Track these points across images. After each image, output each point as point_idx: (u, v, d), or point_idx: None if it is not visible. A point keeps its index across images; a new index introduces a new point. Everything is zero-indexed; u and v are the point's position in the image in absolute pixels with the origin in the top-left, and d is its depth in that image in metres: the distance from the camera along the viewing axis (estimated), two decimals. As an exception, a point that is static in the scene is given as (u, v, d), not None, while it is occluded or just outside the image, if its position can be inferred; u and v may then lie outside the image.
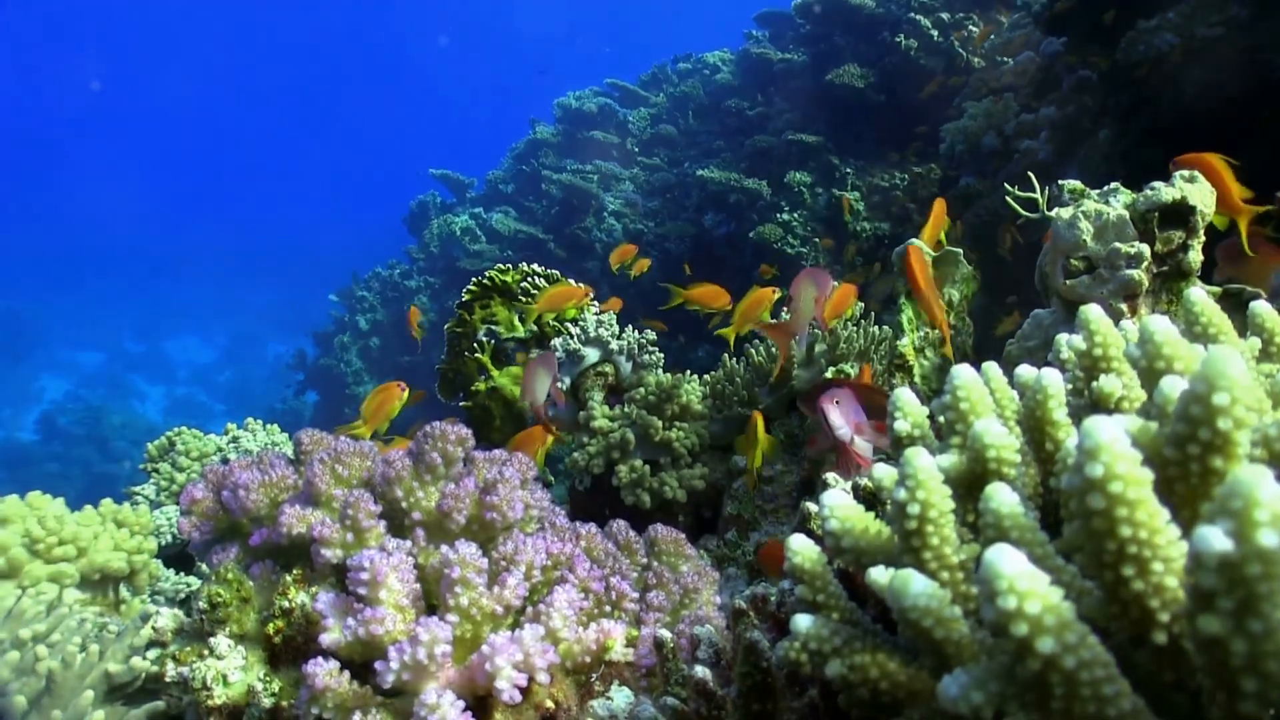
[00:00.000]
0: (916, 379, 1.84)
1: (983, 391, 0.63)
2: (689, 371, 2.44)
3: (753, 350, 2.38)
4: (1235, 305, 1.65)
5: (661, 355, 2.44)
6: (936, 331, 1.85)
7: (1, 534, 1.29)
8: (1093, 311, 0.71)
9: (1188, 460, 0.47)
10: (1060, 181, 1.70)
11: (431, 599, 0.98)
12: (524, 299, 2.59)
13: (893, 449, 0.74)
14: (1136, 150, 4.47)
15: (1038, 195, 1.62)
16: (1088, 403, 0.69)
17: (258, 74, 46.12)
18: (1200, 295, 0.76)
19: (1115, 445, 0.42)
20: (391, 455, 1.04)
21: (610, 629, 0.99)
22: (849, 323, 2.32)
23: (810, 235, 7.71)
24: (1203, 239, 1.57)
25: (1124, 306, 1.51)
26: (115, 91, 44.13)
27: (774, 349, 2.29)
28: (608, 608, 1.06)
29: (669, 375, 2.32)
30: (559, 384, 2.23)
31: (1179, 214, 1.53)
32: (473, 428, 2.62)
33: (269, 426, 2.58)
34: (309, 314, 13.05)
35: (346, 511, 0.99)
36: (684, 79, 9.50)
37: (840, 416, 1.45)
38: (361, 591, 0.88)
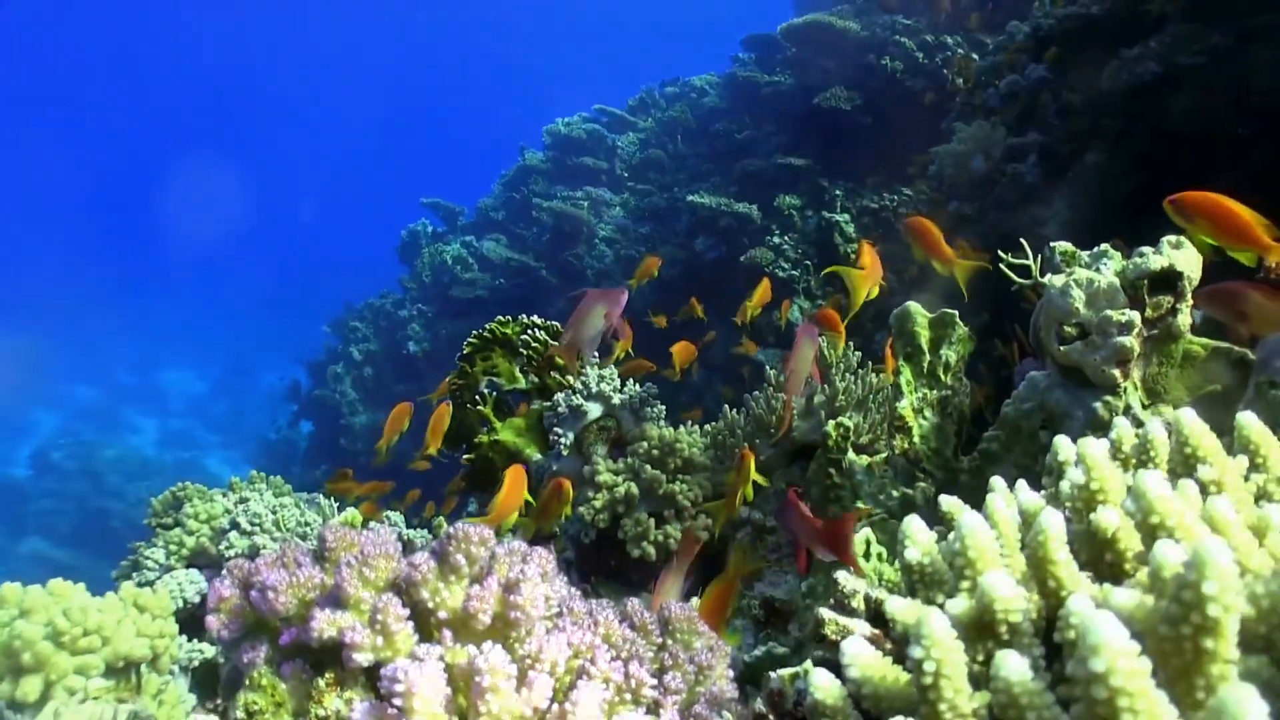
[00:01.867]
0: (915, 439, 1.89)
1: (989, 539, 0.67)
2: (690, 423, 2.48)
3: (753, 402, 2.42)
4: (1225, 364, 1.70)
5: (664, 408, 2.48)
6: (935, 392, 1.89)
7: (26, 628, 1.32)
8: (1090, 447, 0.75)
9: (1181, 639, 0.51)
10: (1051, 244, 1.75)
11: (459, 695, 1.02)
12: (525, 351, 2.63)
13: (903, 576, 0.78)
14: (1123, 175, 4.55)
15: (1030, 261, 1.67)
16: (1087, 534, 0.74)
17: (245, 102, 46.21)
18: (1190, 419, 0.80)
19: (1115, 643, 0.47)
20: (416, 559, 1.08)
21: (632, 723, 1.03)
22: (847, 373, 2.37)
23: (801, 258, 7.77)
24: (1190, 302, 1.61)
25: (1116, 372, 1.56)
26: (101, 116, 44.12)
27: (773, 400, 2.34)
28: (628, 695, 1.10)
29: (670, 429, 2.36)
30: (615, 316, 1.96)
31: (1167, 280, 1.58)
32: (476, 479, 2.66)
33: (273, 480, 2.60)
34: (301, 344, 13.05)
35: (376, 616, 1.03)
36: (672, 103, 9.57)
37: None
38: (397, 703, 0.92)
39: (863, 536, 1.62)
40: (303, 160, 44.55)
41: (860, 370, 2.38)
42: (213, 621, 1.16)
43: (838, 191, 7.92)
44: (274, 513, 2.14)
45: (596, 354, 2.40)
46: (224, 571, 1.18)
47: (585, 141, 9.33)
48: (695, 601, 1.66)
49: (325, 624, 1.06)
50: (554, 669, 1.02)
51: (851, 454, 2.07)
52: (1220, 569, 0.49)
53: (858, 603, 0.95)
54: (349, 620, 1.06)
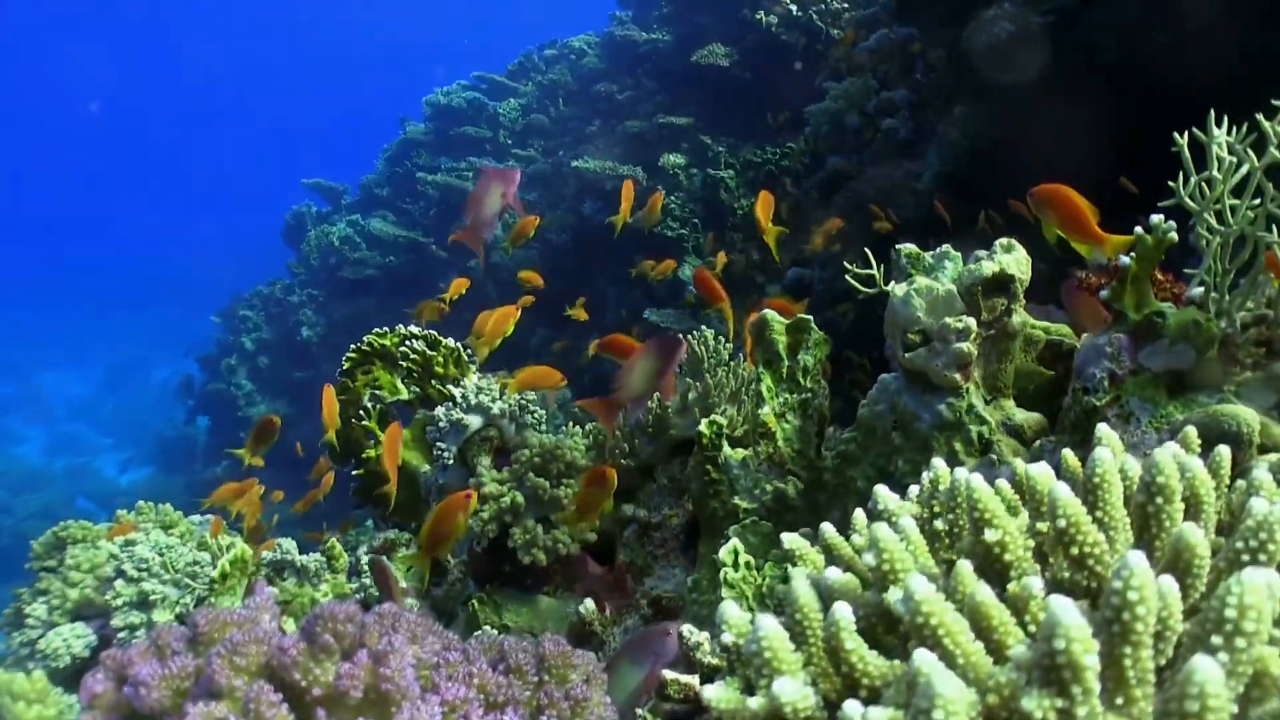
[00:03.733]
0: (780, 443, 1.97)
1: (781, 642, 0.74)
2: (572, 424, 2.54)
3: (630, 402, 2.49)
4: (1058, 354, 1.82)
5: (543, 413, 2.53)
6: (795, 396, 1.98)
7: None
8: (882, 531, 0.83)
9: (924, 753, 0.59)
10: (897, 247, 1.83)
11: (336, 769, 1.07)
12: (404, 363, 2.65)
13: (723, 657, 0.86)
14: (989, 127, 4.71)
15: (875, 271, 1.75)
16: (880, 613, 0.82)
17: (113, 87, 44.15)
18: (978, 483, 0.88)
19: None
20: (285, 643, 1.12)
21: (503, 781, 1.09)
22: (719, 367, 2.45)
23: (689, 216, 7.84)
24: (1023, 302, 1.72)
25: (958, 375, 1.66)
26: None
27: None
28: (502, 745, 1.16)
29: (550, 436, 2.41)
30: (506, 209, 2.05)
31: (1000, 283, 1.67)
32: (365, 494, 2.68)
33: (162, 509, 2.58)
34: (189, 335, 12.65)
35: (249, 705, 1.07)
36: (551, 66, 9.50)
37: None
38: (270, 797, 0.97)
39: (730, 547, 1.70)
40: (173, 147, 42.66)
41: (732, 363, 2.46)
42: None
43: (721, 148, 7.99)
44: (162, 554, 2.14)
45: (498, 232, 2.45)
46: (96, 665, 1.20)
47: (466, 110, 9.22)
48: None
49: (199, 717, 1.09)
50: (426, 736, 1.08)
51: (727, 449, 2.14)
52: (945, 699, 0.56)
53: (701, 654, 1.03)
54: (222, 711, 1.10)
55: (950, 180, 5.04)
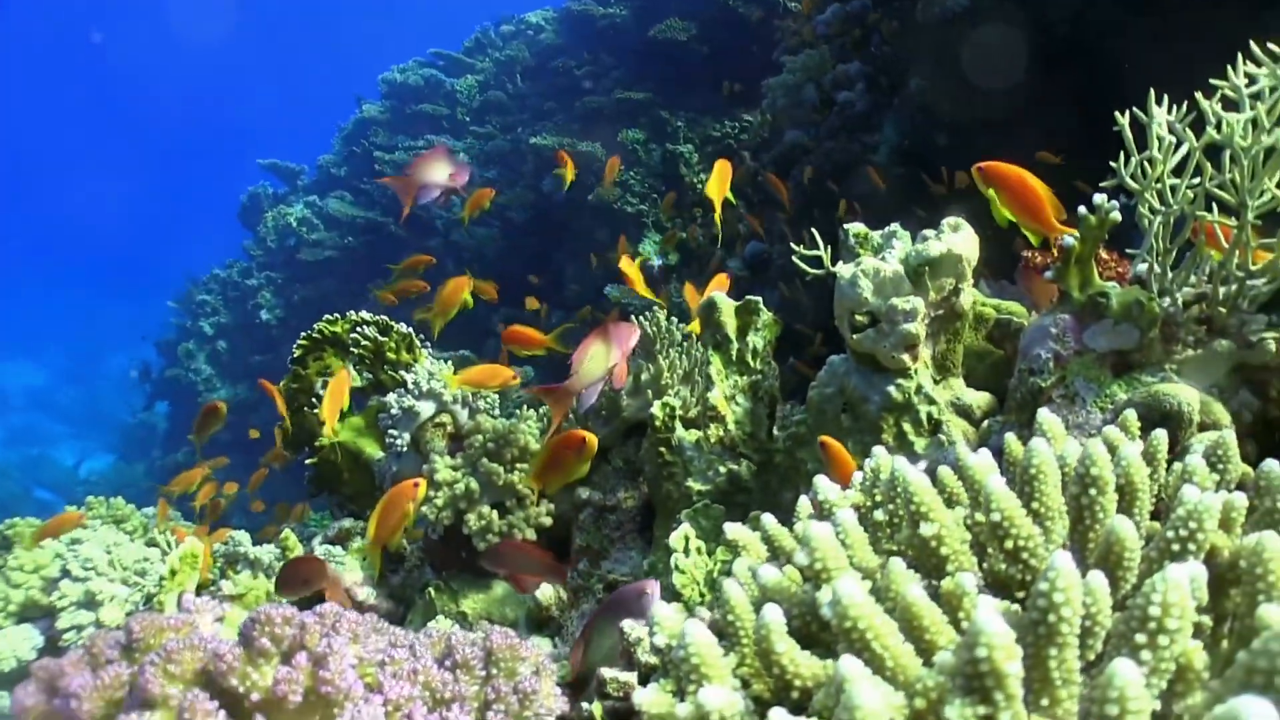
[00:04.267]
0: (730, 425, 1.96)
1: (710, 649, 0.73)
2: (525, 407, 2.52)
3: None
4: (1006, 333, 1.82)
5: (496, 398, 2.51)
6: (745, 378, 1.97)
7: None
8: (813, 529, 0.82)
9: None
10: (845, 226, 1.82)
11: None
12: (355, 350, 2.61)
13: (658, 658, 0.85)
14: (944, 100, 4.72)
15: (822, 252, 1.74)
16: (815, 611, 0.81)
17: (59, 66, 43.15)
18: (914, 476, 0.88)
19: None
20: (222, 649, 1.10)
21: (447, 781, 1.08)
22: (671, 348, 2.43)
23: (649, 192, 7.80)
24: (971, 281, 1.71)
25: (906, 356, 1.65)
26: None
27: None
28: (447, 744, 1.15)
29: (504, 421, 2.39)
30: (459, 180, 2.21)
31: (948, 263, 1.67)
32: (320, 483, 2.65)
33: (114, 503, 2.54)
34: (147, 322, 12.41)
35: (184, 715, 1.05)
36: (508, 42, 9.39)
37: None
38: (205, 809, 0.95)
39: (681, 532, 1.69)
40: (121, 129, 41.65)
41: (685, 344, 2.45)
42: (19, 731, 1.16)
43: (679, 123, 7.94)
44: (109, 551, 2.10)
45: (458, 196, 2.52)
46: (28, 677, 1.17)
47: (423, 88, 9.11)
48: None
49: (132, 726, 1.07)
50: (367, 739, 1.07)
51: (680, 430, 2.13)
52: (866, 712, 0.55)
53: (640, 652, 1.02)
54: (156, 720, 1.08)
55: (907, 154, 5.04)
